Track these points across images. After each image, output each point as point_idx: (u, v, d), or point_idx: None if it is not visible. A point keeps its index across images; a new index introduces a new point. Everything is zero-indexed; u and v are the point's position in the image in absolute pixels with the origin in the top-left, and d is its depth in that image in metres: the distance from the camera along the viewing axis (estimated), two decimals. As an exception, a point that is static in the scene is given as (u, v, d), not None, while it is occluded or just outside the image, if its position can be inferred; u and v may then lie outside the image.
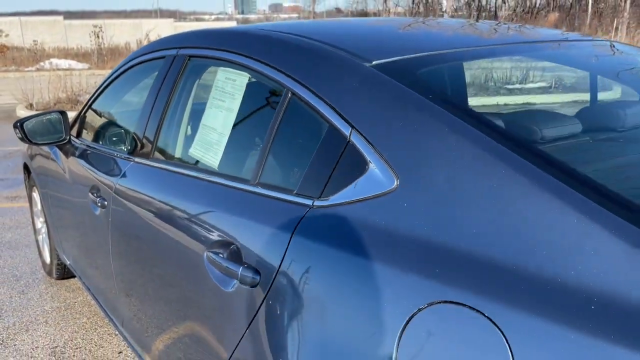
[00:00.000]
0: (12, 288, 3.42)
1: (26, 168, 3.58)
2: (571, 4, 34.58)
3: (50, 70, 20.37)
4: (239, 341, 1.30)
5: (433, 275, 0.92)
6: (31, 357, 2.68)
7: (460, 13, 36.04)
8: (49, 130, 2.58)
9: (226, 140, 1.63)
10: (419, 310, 0.91)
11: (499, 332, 0.81)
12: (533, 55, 1.74)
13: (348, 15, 39.12)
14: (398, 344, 0.92)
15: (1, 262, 3.80)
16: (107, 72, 17.72)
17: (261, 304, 1.23)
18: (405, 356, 0.91)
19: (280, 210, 1.28)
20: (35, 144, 2.61)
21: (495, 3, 36.66)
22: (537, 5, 36.68)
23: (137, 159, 2.01)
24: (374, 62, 1.31)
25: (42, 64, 22.23)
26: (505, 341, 0.80)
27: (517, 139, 1.07)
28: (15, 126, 2.53)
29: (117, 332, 2.84)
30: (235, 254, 1.33)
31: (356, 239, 1.07)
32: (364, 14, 36.60)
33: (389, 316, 0.95)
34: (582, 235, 0.83)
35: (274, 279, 1.20)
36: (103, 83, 2.69)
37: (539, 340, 0.78)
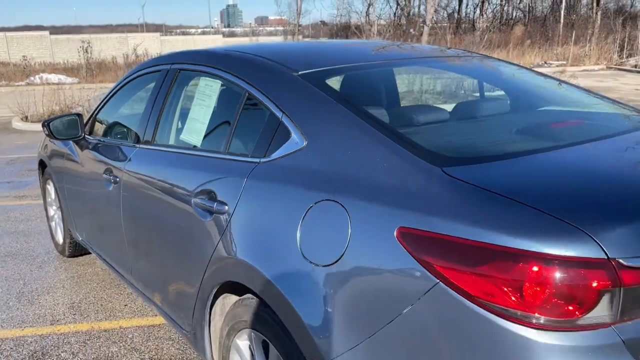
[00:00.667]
0: (31, 264, 4.09)
1: (41, 165, 4.26)
2: (545, 15, 35.92)
3: (41, 84, 20.95)
4: (215, 248, 2.01)
5: (321, 189, 1.64)
6: (54, 310, 3.36)
7: (439, 25, 37.11)
8: (68, 129, 3.28)
9: (206, 126, 2.36)
10: (311, 206, 1.63)
11: (347, 213, 1.53)
12: (406, 66, 2.51)
13: (333, 28, 40.08)
14: (301, 224, 1.64)
15: (19, 246, 4.47)
16: (96, 86, 18.36)
17: (228, 223, 1.94)
18: (304, 229, 1.63)
19: (240, 167, 2.00)
20: (58, 139, 3.32)
21: (474, 15, 37.89)
22: (514, 17, 37.99)
23: (141, 146, 2.72)
24: (299, 72, 2.04)
25: (32, 78, 22.79)
26: (348, 218, 1.52)
27: (373, 117, 1.80)
28: (43, 125, 3.22)
29: (126, 286, 3.52)
30: (212, 196, 2.04)
31: (282, 175, 1.80)
32: (347, 27, 37.37)
33: (296, 211, 1.67)
34: (393, 163, 1.56)
35: (236, 206, 1.91)
36: (110, 92, 3.40)
37: (366, 218, 1.50)
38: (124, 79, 3.25)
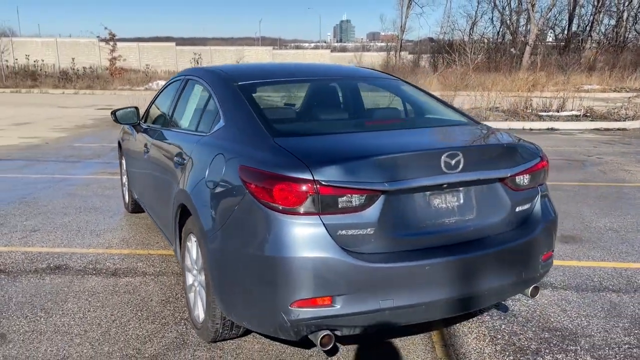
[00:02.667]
0: (105, 215, 5.69)
1: (119, 145, 5.88)
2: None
3: (154, 89, 23.92)
4: (178, 185, 3.30)
5: (220, 148, 2.87)
6: (110, 241, 4.87)
7: (545, 44, 36.29)
8: (129, 117, 4.78)
9: (189, 114, 3.70)
10: (215, 156, 2.88)
11: (225, 159, 2.76)
12: (320, 82, 3.70)
13: (435, 46, 40.29)
14: (209, 166, 2.88)
15: (101, 204, 6.12)
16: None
17: (184, 169, 3.23)
18: (209, 168, 2.87)
19: (197, 138, 3.28)
20: (121, 123, 4.84)
21: (582, 36, 36.59)
22: (626, 38, 36.19)
23: (162, 128, 4.12)
24: (237, 83, 3.31)
25: (150, 84, 26.00)
26: (225, 161, 2.75)
27: (259, 111, 3.00)
28: (111, 113, 4.75)
29: (158, 230, 4.96)
30: (181, 154, 3.35)
31: (211, 141, 3.06)
32: (450, 44, 37.29)
33: (209, 159, 2.91)
34: (253, 135, 2.77)
35: (189, 159, 3.20)
36: (157, 93, 4.87)
37: (231, 161, 2.72)
38: (166, 84, 4.70)
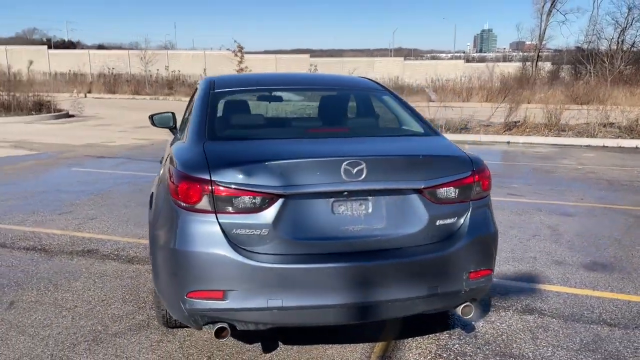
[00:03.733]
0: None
1: (174, 146, 6.45)
2: None
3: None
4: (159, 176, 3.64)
5: (177, 150, 3.16)
6: (146, 233, 5.39)
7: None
8: (165, 121, 5.27)
9: (186, 119, 4.04)
10: (169, 157, 3.17)
11: (172, 155, 3.04)
12: (284, 90, 3.81)
13: (576, 55, 37.39)
14: (163, 167, 3.19)
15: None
16: (315, 103, 21.45)
17: (161, 165, 3.56)
18: (165, 163, 3.17)
19: (175, 140, 3.60)
20: (157, 127, 5.34)
21: None
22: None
23: (176, 133, 4.52)
24: (215, 90, 3.57)
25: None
26: (171, 156, 3.03)
27: (212, 116, 3.22)
28: (149, 117, 5.28)
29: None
30: (164, 158, 3.69)
31: (178, 145, 3.37)
32: (592, 54, 34.25)
33: (168, 159, 3.22)
34: (195, 137, 3.01)
35: (163, 157, 3.53)
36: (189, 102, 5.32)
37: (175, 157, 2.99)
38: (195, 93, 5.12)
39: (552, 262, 4.64)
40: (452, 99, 24.91)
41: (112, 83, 29.50)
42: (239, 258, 2.48)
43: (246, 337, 3.25)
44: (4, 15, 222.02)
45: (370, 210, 2.62)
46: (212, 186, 2.51)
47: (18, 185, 7.64)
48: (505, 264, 4.55)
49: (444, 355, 3.09)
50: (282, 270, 2.48)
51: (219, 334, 2.57)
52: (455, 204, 2.74)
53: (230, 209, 2.51)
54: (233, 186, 2.50)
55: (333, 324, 2.74)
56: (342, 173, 2.53)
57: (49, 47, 45.81)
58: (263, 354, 3.09)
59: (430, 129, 3.31)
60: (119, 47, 55.99)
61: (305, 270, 2.49)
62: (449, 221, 2.72)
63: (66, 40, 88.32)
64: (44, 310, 3.63)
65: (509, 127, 13.63)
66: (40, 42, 60.72)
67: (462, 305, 2.83)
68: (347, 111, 3.95)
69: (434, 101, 23.61)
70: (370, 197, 2.62)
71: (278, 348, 3.15)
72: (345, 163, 2.54)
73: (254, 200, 2.50)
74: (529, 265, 4.55)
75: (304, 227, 2.55)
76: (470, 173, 2.77)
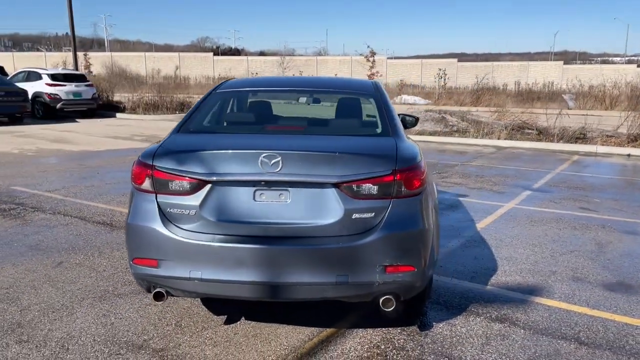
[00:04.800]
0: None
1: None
2: None
3: (399, 104, 25.29)
4: None
5: (170, 132, 3.69)
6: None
7: None
8: None
9: None
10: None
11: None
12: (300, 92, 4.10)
13: None
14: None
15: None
16: (440, 108, 21.24)
17: None
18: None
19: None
20: None
21: None
22: None
23: None
24: (217, 90, 4.05)
25: (395, 98, 27.49)
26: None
27: (205, 112, 3.69)
28: None
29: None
30: None
31: None
32: None
33: None
34: (175, 131, 3.50)
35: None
36: None
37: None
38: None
39: (570, 278, 4.40)
40: (594, 107, 23.02)
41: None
42: (168, 233, 2.90)
43: (215, 309, 3.67)
44: (182, 27, 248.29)
45: (289, 200, 2.89)
46: (152, 170, 2.97)
47: (129, 172, 8.86)
48: (514, 275, 4.43)
49: (382, 347, 3.23)
50: (203, 247, 2.86)
51: (156, 297, 3.02)
52: (374, 200, 2.89)
53: (166, 190, 2.94)
54: (169, 171, 2.93)
55: (246, 298, 3.03)
56: (259, 164, 2.84)
57: (215, 54, 50.81)
58: (224, 325, 3.49)
59: (389, 132, 3.43)
60: (276, 54, 60.27)
61: (223, 249, 2.84)
62: (365, 215, 2.88)
63: (232, 47, 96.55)
64: (79, 271, 4.39)
65: (634, 138, 12.39)
66: (210, 50, 67.27)
67: (383, 298, 2.96)
68: (327, 112, 4.18)
69: (571, 108, 22.04)
70: (290, 188, 2.89)
71: (239, 322, 3.53)
72: (262, 155, 2.84)
73: (184, 184, 2.91)
74: (542, 278, 4.38)
75: (227, 210, 2.90)
76: (391, 172, 2.90)
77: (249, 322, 3.52)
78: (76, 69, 23.53)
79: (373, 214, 2.89)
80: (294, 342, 3.26)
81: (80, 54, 37.37)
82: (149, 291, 3.11)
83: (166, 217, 2.94)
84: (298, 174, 2.85)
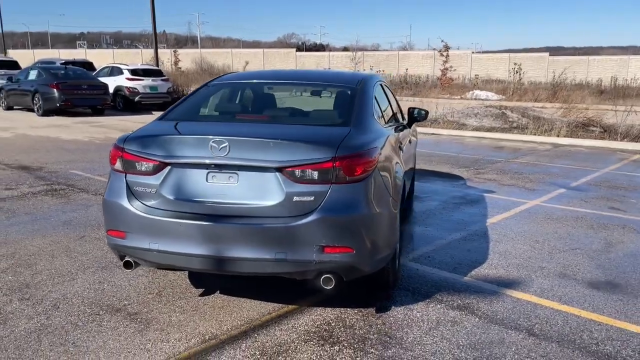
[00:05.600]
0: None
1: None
2: None
3: (469, 99, 24.76)
4: None
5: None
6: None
7: None
8: None
9: None
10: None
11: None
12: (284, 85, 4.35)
13: None
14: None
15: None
16: (509, 104, 20.63)
17: None
18: None
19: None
20: None
21: None
22: None
23: None
24: (209, 83, 4.41)
25: (469, 94, 26.89)
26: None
27: (187, 101, 4.04)
28: None
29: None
30: None
31: None
32: None
33: None
34: (160, 118, 3.89)
35: None
36: None
37: None
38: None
39: (557, 274, 4.36)
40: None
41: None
42: (133, 208, 3.27)
43: (196, 282, 4.03)
44: (271, 24, 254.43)
45: (237, 182, 3.17)
46: (122, 152, 3.35)
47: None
48: (499, 268, 4.45)
49: (332, 325, 3.44)
50: (160, 222, 3.20)
51: (125, 265, 3.40)
52: (314, 184, 3.10)
53: (133, 170, 3.31)
54: (135, 153, 3.30)
55: (196, 269, 3.34)
56: (210, 149, 3.14)
57: (299, 50, 51.95)
58: (199, 296, 3.83)
59: (349, 122, 3.59)
60: (363, 49, 60.63)
61: (177, 224, 3.17)
62: (305, 199, 3.10)
63: (317, 43, 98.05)
64: (95, 243, 4.91)
65: None
66: (294, 46, 68.79)
67: (323, 277, 3.18)
68: (303, 103, 4.40)
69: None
70: (239, 172, 3.16)
71: (213, 294, 3.86)
72: (211, 141, 3.14)
73: (148, 165, 3.26)
74: (526, 273, 4.37)
75: (183, 190, 3.22)
76: (330, 159, 3.09)
77: (223, 295, 3.84)
78: (156, 65, 24.98)
79: (313, 197, 3.10)
80: (253, 315, 3.54)
81: (169, 51, 39.81)
82: (121, 260, 3.49)
83: (133, 194, 3.31)
84: (244, 159, 3.12)
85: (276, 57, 46.38)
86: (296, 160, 3.09)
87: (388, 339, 3.27)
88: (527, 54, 43.90)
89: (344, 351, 3.12)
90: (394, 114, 5.41)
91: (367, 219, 3.20)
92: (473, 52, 43.58)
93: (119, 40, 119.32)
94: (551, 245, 5.09)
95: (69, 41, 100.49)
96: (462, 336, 3.31)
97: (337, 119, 3.76)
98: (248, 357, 3.04)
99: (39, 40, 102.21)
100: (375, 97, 4.37)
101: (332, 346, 3.17)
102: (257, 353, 3.08)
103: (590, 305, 3.78)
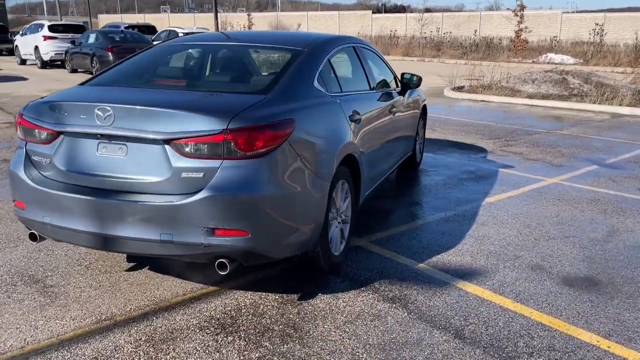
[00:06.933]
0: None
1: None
2: None
3: (542, 63, 23.10)
4: None
5: None
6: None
7: None
8: None
9: None
10: None
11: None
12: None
13: None
14: None
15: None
16: (587, 69, 19.06)
17: None
18: None
19: None
20: None
21: None
22: None
23: None
24: (161, 42, 4.14)
25: (540, 57, 25.05)
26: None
27: (121, 64, 3.81)
28: None
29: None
30: None
31: None
32: None
33: None
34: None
35: None
36: None
37: None
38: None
39: (529, 266, 3.84)
40: None
41: (387, 45, 31.17)
42: (27, 179, 3.11)
43: (130, 257, 3.88)
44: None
45: (125, 154, 2.92)
46: (21, 119, 3.18)
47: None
48: (466, 256, 3.98)
49: (242, 311, 3.17)
50: (52, 195, 3.02)
51: (30, 237, 3.26)
52: (203, 159, 2.79)
53: (31, 138, 3.14)
54: (31, 120, 3.12)
55: (84, 246, 3.14)
56: (95, 118, 2.90)
57: (378, 12, 50.34)
58: (125, 271, 3.67)
59: (269, 89, 3.21)
60: (446, 10, 57.85)
61: (67, 198, 2.98)
62: (194, 175, 2.80)
63: (398, 4, 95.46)
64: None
65: None
66: (370, 8, 67.16)
67: (217, 261, 2.90)
68: (233, 67, 4.04)
69: None
70: (128, 143, 2.91)
71: (141, 270, 3.69)
72: (96, 108, 2.89)
73: (42, 134, 3.08)
74: (494, 263, 3.88)
75: (74, 161, 3.01)
76: (220, 131, 2.76)
77: (150, 271, 3.67)
78: (216, 29, 25.11)
79: (202, 174, 2.80)
80: (166, 295, 3.34)
81: (245, 15, 40.00)
82: (29, 230, 3.36)
83: (32, 164, 3.15)
84: (129, 129, 2.85)
85: (352, 19, 45.11)
86: (185, 132, 2.78)
87: (292, 331, 2.96)
88: (625, 13, 39.89)
89: (236, 343, 2.85)
90: (380, 81, 4.94)
91: (268, 199, 2.87)
92: (564, 12, 40.17)
93: (200, 5, 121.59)
94: (542, 232, 4.52)
95: (157, 6, 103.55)
96: (376, 334, 2.94)
97: (259, 86, 3.39)
98: (130, 343, 2.84)
99: (129, 6, 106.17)
100: (331, 62, 3.95)
101: (226, 336, 2.91)
102: (143, 339, 2.88)
103: (548, 306, 3.27)
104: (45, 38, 20.91)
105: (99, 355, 2.72)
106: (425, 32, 31.78)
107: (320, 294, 3.38)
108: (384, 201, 5.29)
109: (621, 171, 6.62)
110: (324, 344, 2.85)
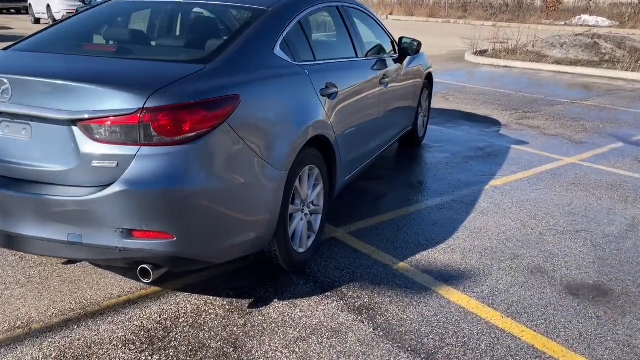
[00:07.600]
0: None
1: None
2: None
3: (575, 25, 21.80)
4: None
5: None
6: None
7: None
8: None
9: None
10: None
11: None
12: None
13: None
14: None
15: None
16: (625, 32, 17.87)
17: None
18: None
19: None
20: None
21: None
22: None
23: None
24: (103, 3, 3.59)
25: (574, 19, 23.63)
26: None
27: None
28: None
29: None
30: None
31: None
32: None
33: None
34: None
35: None
36: None
37: None
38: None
39: (528, 268, 3.29)
40: None
41: (411, 6, 29.85)
42: None
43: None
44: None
45: (29, 137, 2.42)
46: None
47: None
48: (457, 253, 3.44)
49: (180, 321, 2.71)
50: None
51: None
52: (117, 145, 2.28)
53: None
54: None
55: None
56: None
57: None
58: (63, 264, 3.23)
59: (214, 58, 2.65)
60: None
61: None
62: (107, 164, 2.29)
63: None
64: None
65: None
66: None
67: (139, 268, 2.42)
68: (180, 30, 3.47)
69: None
70: (32, 123, 2.40)
71: (80, 264, 3.25)
72: None
73: None
74: (488, 263, 3.34)
75: None
76: (135, 110, 2.23)
77: (88, 267, 3.22)
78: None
79: (116, 163, 2.29)
80: (98, 297, 2.89)
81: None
82: None
83: None
84: (30, 106, 2.35)
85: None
86: (96, 112, 2.26)
87: (231, 350, 2.49)
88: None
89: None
90: (372, 48, 4.33)
91: (199, 194, 2.35)
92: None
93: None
94: (550, 224, 3.93)
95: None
96: (330, 356, 2.45)
97: (202, 52, 2.83)
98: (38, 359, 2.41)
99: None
100: (302, 24, 3.35)
101: (151, 355, 2.46)
102: (53, 355, 2.44)
103: (544, 323, 2.73)
104: (57, -4, 20.48)
105: (-7, 377, 2.30)
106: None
107: (275, 300, 2.89)
108: (372, 182, 4.73)
109: (650, 150, 5.93)
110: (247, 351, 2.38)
